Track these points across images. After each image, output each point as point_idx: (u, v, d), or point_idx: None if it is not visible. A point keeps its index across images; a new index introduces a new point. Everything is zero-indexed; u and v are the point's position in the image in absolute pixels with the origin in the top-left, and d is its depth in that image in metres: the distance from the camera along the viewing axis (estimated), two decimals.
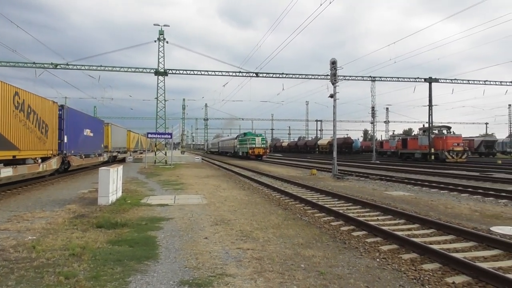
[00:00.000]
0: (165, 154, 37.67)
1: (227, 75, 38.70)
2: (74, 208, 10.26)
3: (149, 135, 33.68)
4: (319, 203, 11.27)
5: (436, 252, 5.88)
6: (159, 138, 35.03)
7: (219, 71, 38.59)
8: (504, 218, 9.34)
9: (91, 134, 24.55)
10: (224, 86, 47.05)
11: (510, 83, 44.25)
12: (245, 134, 56.26)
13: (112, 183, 11.05)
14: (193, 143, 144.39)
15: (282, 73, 39.70)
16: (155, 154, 37.44)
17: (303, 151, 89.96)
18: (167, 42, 35.53)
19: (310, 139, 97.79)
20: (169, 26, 35.83)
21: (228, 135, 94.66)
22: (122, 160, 36.60)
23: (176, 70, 37.46)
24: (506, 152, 66.76)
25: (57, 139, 18.16)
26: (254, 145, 48.11)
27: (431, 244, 6.67)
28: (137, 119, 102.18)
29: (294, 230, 7.89)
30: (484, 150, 62.03)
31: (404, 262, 5.71)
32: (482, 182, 18.26)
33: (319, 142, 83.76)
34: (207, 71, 38.26)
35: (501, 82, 44.31)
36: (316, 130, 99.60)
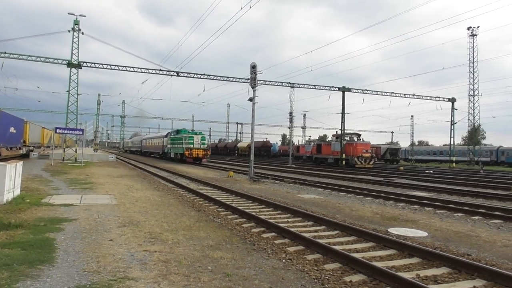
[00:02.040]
0: (75, 151, 35.33)
1: (146, 72, 37.47)
2: None
3: (58, 130, 31.39)
4: (233, 205, 11.31)
5: (337, 252, 6.17)
6: (69, 133, 32.78)
7: (138, 68, 37.34)
8: (400, 220, 10.13)
9: (15, 131, 29.22)
10: (143, 83, 45.34)
11: (413, 96, 48.51)
12: (178, 131, 45.80)
13: (8, 180, 10.06)
14: (108, 141, 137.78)
15: (204, 74, 39.47)
16: (64, 151, 34.97)
17: (223, 153, 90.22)
18: (82, 33, 33.46)
19: (230, 141, 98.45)
20: (85, 16, 33.80)
21: (146, 134, 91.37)
22: (25, 156, 33.72)
23: (91, 63, 35.40)
24: (408, 159, 73.06)
25: None
26: (191, 145, 38.62)
27: (334, 245, 7.00)
28: (45, 112, 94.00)
29: (205, 232, 7.81)
30: (389, 157, 67.23)
31: (308, 262, 5.92)
32: (385, 187, 19.71)
33: (239, 144, 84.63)
34: (125, 66, 36.73)
35: (405, 94, 48.44)
36: (236, 132, 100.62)
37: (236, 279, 5.01)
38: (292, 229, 7.92)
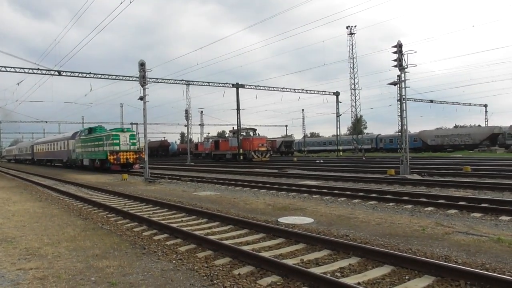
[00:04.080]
0: None
1: (21, 72, 33.80)
2: None
3: None
4: (125, 209, 10.86)
5: (228, 247, 6.28)
6: None
7: (11, 67, 33.43)
8: (291, 209, 10.65)
9: None
10: (18, 84, 40.39)
11: (302, 91, 51.38)
12: (92, 129, 34.61)
13: None
14: None
15: (90, 73, 37.07)
16: None
17: None
18: None
19: None
20: None
21: (32, 139, 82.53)
22: None
23: None
24: (301, 151, 77.29)
25: None
26: (117, 147, 28.75)
27: (226, 239, 7.11)
28: None
29: (92, 241, 7.36)
30: (285, 149, 70.50)
31: (199, 260, 5.91)
32: (279, 178, 20.59)
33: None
34: None
35: (295, 89, 51.08)
36: None
37: (122, 287, 4.82)
38: (184, 229, 7.86)
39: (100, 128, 35.56)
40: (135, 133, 32.95)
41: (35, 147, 54.02)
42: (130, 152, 29.38)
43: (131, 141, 29.85)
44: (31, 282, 5.04)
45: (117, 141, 29.01)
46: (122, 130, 31.01)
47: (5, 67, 33.11)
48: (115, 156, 28.30)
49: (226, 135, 66.35)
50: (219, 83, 45.63)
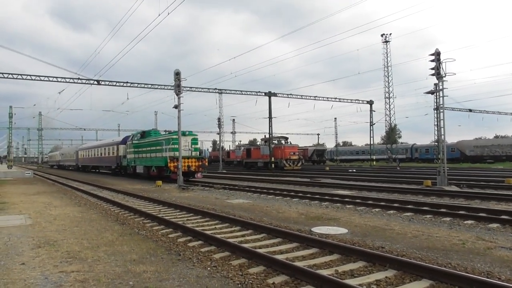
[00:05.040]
0: None
1: (63, 81, 35.31)
2: None
3: None
4: (160, 215, 11.07)
5: (262, 255, 6.29)
6: None
7: (54, 77, 35.00)
8: (324, 219, 10.55)
9: None
10: (60, 93, 42.08)
11: (334, 99, 50.92)
12: (145, 133, 31.08)
13: None
14: (26, 156, 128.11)
15: (127, 82, 38.20)
16: None
17: None
18: None
19: None
20: None
21: (70, 146, 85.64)
22: None
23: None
24: (334, 160, 76.45)
25: None
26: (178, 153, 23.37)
27: (260, 248, 7.13)
28: None
29: (129, 246, 7.55)
30: (316, 158, 69.83)
31: (233, 268, 5.96)
32: (311, 187, 20.45)
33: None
34: (39, 76, 34.32)
35: (327, 98, 50.66)
36: None
37: None
38: (218, 236, 7.93)
39: (155, 132, 31.77)
40: (197, 136, 27.47)
41: (79, 153, 50.15)
42: (192, 158, 25.07)
43: (193, 146, 25.46)
44: (72, 285, 5.22)
45: (175, 145, 24.73)
46: (183, 133, 25.17)
47: (48, 76, 34.77)
48: (175, 163, 23.80)
49: (258, 143, 66.51)
50: (251, 91, 45.92)
